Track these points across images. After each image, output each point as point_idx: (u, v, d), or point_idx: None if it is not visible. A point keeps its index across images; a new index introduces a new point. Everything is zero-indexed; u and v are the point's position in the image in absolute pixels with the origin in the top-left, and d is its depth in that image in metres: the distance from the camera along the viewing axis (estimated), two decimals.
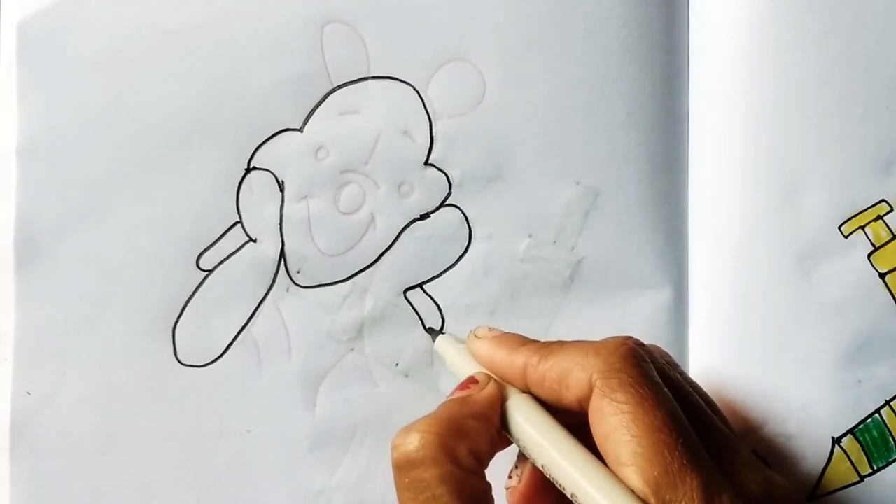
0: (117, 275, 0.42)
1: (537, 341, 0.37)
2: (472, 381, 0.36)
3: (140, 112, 0.42)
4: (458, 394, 0.36)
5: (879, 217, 0.43)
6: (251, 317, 0.42)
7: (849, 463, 0.42)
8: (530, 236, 0.43)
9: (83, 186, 0.42)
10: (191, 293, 0.42)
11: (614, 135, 0.43)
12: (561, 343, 0.36)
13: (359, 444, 0.42)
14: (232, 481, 0.42)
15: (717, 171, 0.43)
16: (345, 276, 0.43)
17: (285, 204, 0.43)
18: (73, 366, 0.41)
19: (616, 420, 0.32)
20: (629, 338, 0.35)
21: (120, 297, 0.42)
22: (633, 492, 0.31)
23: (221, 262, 0.42)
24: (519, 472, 0.37)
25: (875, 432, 0.42)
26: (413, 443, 0.33)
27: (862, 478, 0.43)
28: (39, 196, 0.42)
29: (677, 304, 0.43)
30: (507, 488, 0.37)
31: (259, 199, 0.42)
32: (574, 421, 0.34)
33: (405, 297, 0.43)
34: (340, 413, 0.42)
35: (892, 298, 0.43)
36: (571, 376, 0.33)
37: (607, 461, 0.32)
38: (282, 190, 0.42)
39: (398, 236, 0.43)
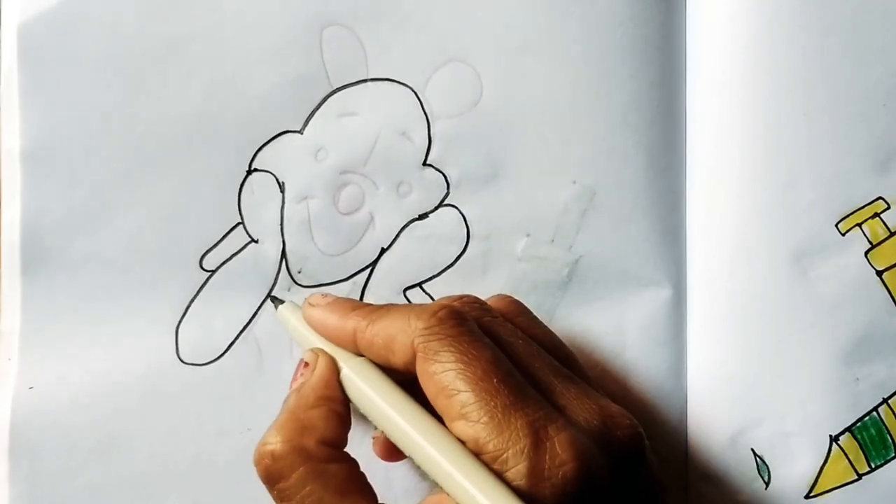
0: (121, 275, 0.42)
1: (368, 305, 0.37)
2: (304, 365, 0.37)
3: (142, 115, 0.42)
4: (295, 383, 0.37)
5: (876, 214, 0.43)
6: (253, 316, 0.43)
7: (846, 461, 0.42)
8: (528, 235, 0.43)
9: (87, 188, 0.42)
10: (194, 293, 0.43)
11: (611, 134, 0.43)
12: (388, 307, 0.36)
13: (358, 443, 0.42)
14: (233, 480, 0.42)
15: (714, 170, 0.43)
16: (345, 276, 0.43)
17: (286, 205, 0.43)
18: (75, 365, 0.42)
19: (441, 378, 0.33)
20: (456, 297, 0.36)
21: (124, 297, 0.42)
22: (463, 443, 0.32)
23: (224, 263, 0.43)
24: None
25: (873, 430, 0.42)
26: (267, 456, 0.34)
27: (860, 476, 0.42)
28: (44, 198, 0.42)
29: (675, 302, 0.43)
30: (373, 438, 0.38)
31: (260, 200, 0.43)
32: (411, 379, 0.35)
33: (405, 296, 0.43)
34: None
35: (889, 296, 0.42)
36: (396, 341, 0.34)
37: (442, 418, 0.33)
38: (282, 191, 0.43)
39: (397, 236, 0.43)
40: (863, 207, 0.43)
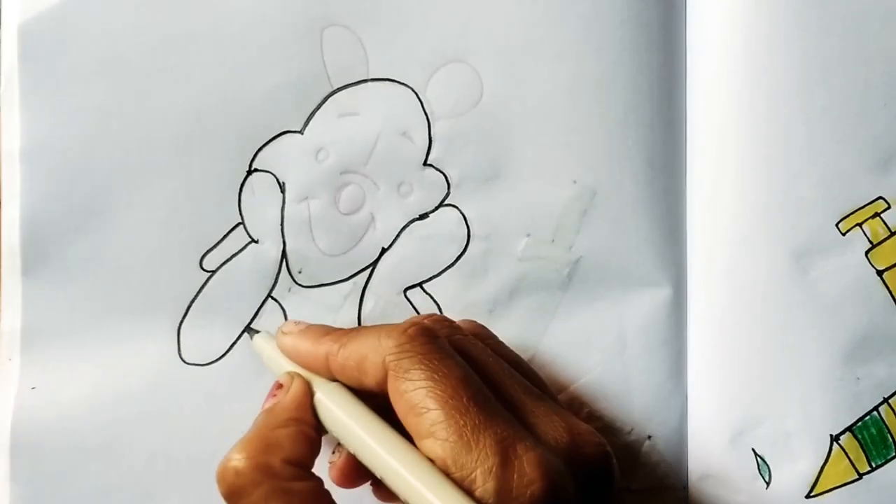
0: (122, 276, 0.42)
1: (340, 329, 0.38)
2: (277, 386, 0.38)
3: (142, 115, 0.42)
4: (267, 404, 0.37)
5: (877, 214, 0.43)
6: (254, 316, 0.43)
7: (847, 461, 0.42)
8: (528, 235, 0.43)
9: (87, 189, 0.42)
10: (195, 293, 0.43)
11: (612, 134, 0.43)
12: (358, 330, 0.37)
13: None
14: None
15: (714, 169, 0.43)
16: (346, 276, 0.43)
17: (286, 205, 0.43)
18: (77, 365, 0.42)
19: (411, 396, 0.33)
20: (426, 316, 0.37)
21: (125, 297, 0.42)
22: (432, 462, 0.32)
23: (224, 263, 0.43)
24: (341, 448, 0.38)
25: (873, 430, 0.42)
26: (230, 472, 0.34)
27: (860, 475, 0.42)
28: (44, 198, 0.42)
29: (676, 302, 0.43)
30: (329, 463, 0.38)
31: (261, 200, 0.43)
32: (384, 402, 0.35)
33: (405, 296, 0.43)
34: None
35: (889, 296, 0.42)
36: (367, 361, 0.35)
37: (412, 437, 0.33)
38: (283, 191, 0.43)
39: (398, 236, 0.43)
40: (863, 207, 0.43)
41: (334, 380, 0.37)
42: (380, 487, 0.38)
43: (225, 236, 0.43)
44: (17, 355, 0.42)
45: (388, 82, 0.43)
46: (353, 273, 0.43)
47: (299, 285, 0.43)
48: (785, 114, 0.42)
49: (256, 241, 0.43)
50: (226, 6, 0.42)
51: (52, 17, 0.42)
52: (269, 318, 0.43)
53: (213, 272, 0.43)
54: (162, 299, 0.42)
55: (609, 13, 0.43)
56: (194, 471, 0.42)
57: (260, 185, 0.43)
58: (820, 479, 0.42)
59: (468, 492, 0.31)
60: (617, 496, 0.35)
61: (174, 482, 0.42)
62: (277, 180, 0.43)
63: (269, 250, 0.43)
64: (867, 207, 0.43)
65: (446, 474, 0.32)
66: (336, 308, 0.43)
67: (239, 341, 0.43)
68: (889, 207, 0.43)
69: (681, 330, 0.43)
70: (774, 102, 0.43)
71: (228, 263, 0.43)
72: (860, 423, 0.42)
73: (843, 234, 0.43)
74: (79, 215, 0.42)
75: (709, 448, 0.43)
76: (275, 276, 0.43)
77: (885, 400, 0.42)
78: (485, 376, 0.34)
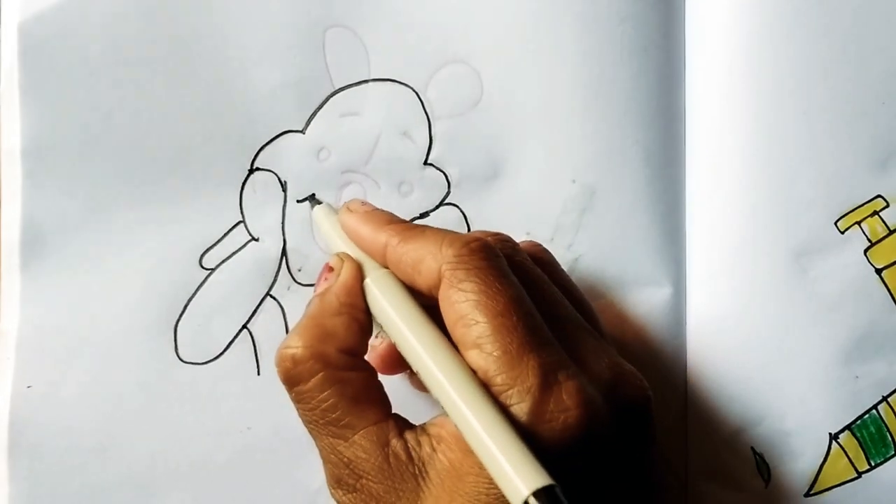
0: (120, 273, 0.42)
1: (403, 221, 0.37)
2: (329, 269, 0.37)
3: (143, 114, 0.42)
4: (319, 288, 0.37)
5: (876, 213, 0.43)
6: (252, 314, 0.43)
7: (846, 459, 0.42)
8: (528, 234, 0.43)
9: (87, 187, 0.42)
10: (193, 291, 0.43)
11: (611, 133, 0.43)
12: (422, 228, 0.36)
13: None
14: (232, 478, 0.42)
15: (713, 169, 0.43)
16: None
17: (287, 204, 0.43)
18: (74, 364, 0.42)
19: (462, 307, 0.33)
20: (490, 232, 0.36)
21: (123, 295, 0.42)
22: (473, 372, 0.32)
23: (224, 261, 0.43)
24: (384, 334, 0.38)
25: (872, 428, 0.42)
26: (288, 359, 0.35)
27: (859, 474, 0.42)
28: (44, 197, 0.42)
29: (675, 300, 0.43)
30: (370, 346, 0.38)
31: (261, 199, 0.43)
32: (433, 303, 0.35)
33: None
34: None
35: (888, 294, 0.43)
36: (424, 264, 0.34)
37: (457, 346, 0.33)
38: (284, 190, 0.43)
39: None
40: (862, 205, 0.43)
41: (386, 267, 0.37)
42: (416, 377, 0.37)
43: (225, 234, 0.43)
44: (14, 354, 0.42)
45: (389, 82, 0.43)
46: None
47: (299, 284, 0.43)
48: (784, 112, 0.43)
49: (257, 240, 0.43)
50: (227, 6, 0.43)
51: (52, 16, 0.42)
52: (268, 318, 0.43)
53: (213, 270, 0.43)
54: (160, 297, 0.42)
55: (608, 13, 0.43)
56: (192, 469, 0.42)
57: (261, 183, 0.43)
58: (819, 478, 0.42)
59: (503, 406, 0.31)
60: (652, 441, 0.35)
61: (172, 481, 0.42)
62: (279, 179, 0.43)
63: (269, 249, 0.43)
64: (866, 206, 0.43)
65: (485, 386, 0.32)
66: None
67: (236, 340, 0.43)
68: (888, 206, 0.43)
69: (680, 328, 0.43)
70: (773, 101, 0.43)
71: (228, 261, 0.43)
72: (859, 422, 0.42)
73: (842, 233, 0.43)
74: (78, 214, 0.42)
75: (708, 446, 0.43)
76: (274, 275, 0.43)
77: (885, 398, 0.42)
78: (538, 301, 0.34)
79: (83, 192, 0.42)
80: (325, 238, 0.40)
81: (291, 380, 0.35)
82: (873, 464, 0.42)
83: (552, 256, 0.40)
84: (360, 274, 0.36)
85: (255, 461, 0.42)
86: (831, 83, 0.43)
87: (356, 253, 0.37)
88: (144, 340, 0.42)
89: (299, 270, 0.43)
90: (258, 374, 0.43)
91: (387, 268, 0.36)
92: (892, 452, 0.42)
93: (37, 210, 0.42)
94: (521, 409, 0.31)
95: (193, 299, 0.42)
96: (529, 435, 0.31)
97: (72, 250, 0.42)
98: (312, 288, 0.43)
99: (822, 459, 0.42)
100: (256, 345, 0.43)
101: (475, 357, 0.32)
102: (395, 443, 0.34)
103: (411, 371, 0.36)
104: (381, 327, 0.36)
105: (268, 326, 0.43)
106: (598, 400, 0.32)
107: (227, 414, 0.42)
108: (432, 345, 0.33)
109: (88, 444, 0.42)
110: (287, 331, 0.43)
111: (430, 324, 0.34)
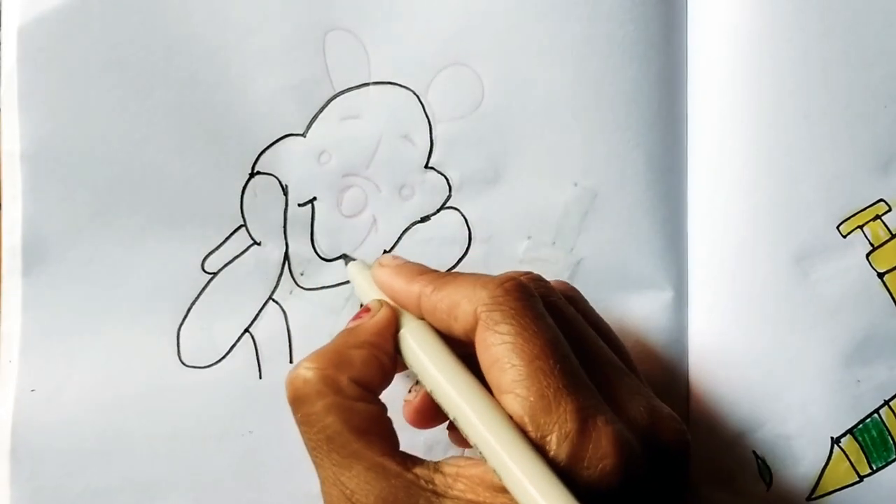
0: (123, 277, 0.42)
1: (435, 271, 0.38)
2: (365, 310, 0.37)
3: (143, 117, 0.42)
4: (350, 324, 0.37)
5: (878, 217, 0.43)
6: (254, 318, 0.43)
7: (848, 463, 0.42)
8: (529, 238, 0.43)
9: (88, 191, 0.42)
10: (195, 295, 0.43)
11: (612, 136, 0.43)
12: (455, 275, 0.36)
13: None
14: (234, 482, 0.42)
15: (715, 172, 0.43)
16: (347, 279, 0.43)
17: (289, 207, 0.43)
18: (77, 367, 0.42)
19: (498, 350, 0.32)
20: (522, 273, 0.36)
21: (125, 299, 0.42)
22: (510, 417, 0.32)
23: (226, 265, 0.43)
24: (418, 388, 0.38)
25: (874, 432, 0.42)
26: (299, 379, 0.35)
27: (861, 478, 0.42)
28: (45, 200, 0.42)
29: (677, 304, 0.43)
30: (405, 401, 0.38)
31: (263, 202, 0.43)
32: (470, 350, 0.34)
33: None
34: None
35: (890, 298, 0.43)
36: (459, 308, 0.34)
37: (492, 390, 0.33)
38: (285, 194, 0.43)
39: (399, 238, 0.43)
40: (864, 209, 0.43)
41: (422, 319, 0.37)
42: (454, 431, 0.38)
43: (227, 238, 0.43)
44: (17, 357, 0.42)
45: (389, 85, 0.43)
46: None
47: (301, 288, 0.43)
48: (786, 116, 0.43)
49: (259, 244, 0.43)
50: (227, 9, 0.43)
51: (52, 20, 0.42)
52: (270, 322, 0.43)
53: (215, 274, 0.43)
54: (162, 301, 0.42)
55: (610, 15, 0.43)
56: (193, 473, 0.42)
57: (262, 187, 0.43)
58: (821, 482, 0.42)
59: (542, 451, 0.31)
60: (686, 484, 0.35)
61: (173, 484, 0.42)
62: (280, 183, 0.43)
63: (271, 252, 0.43)
64: (868, 210, 0.43)
65: (522, 431, 0.32)
66: (338, 310, 0.43)
67: (239, 344, 0.43)
68: (890, 210, 0.43)
69: (682, 332, 0.43)
70: (775, 104, 0.43)
71: (230, 265, 0.43)
72: (861, 426, 0.42)
73: (844, 237, 0.43)
74: (80, 217, 0.42)
75: (710, 450, 0.42)
76: (276, 279, 0.43)
77: (886, 402, 0.42)
78: (573, 342, 0.34)
79: (84, 196, 0.42)
80: (359, 292, 0.40)
81: (298, 400, 0.35)
82: (875, 468, 0.42)
83: (580, 294, 0.40)
84: (395, 320, 0.37)
85: (257, 465, 0.42)
86: (833, 86, 0.43)
87: (393, 306, 0.38)
88: (147, 344, 0.42)
89: (301, 274, 0.43)
90: (260, 378, 0.43)
91: (422, 319, 0.37)
92: (894, 456, 0.42)
93: (38, 214, 0.42)
94: (559, 453, 0.31)
95: (196, 303, 0.43)
96: (568, 480, 0.30)
97: (73, 254, 0.42)
98: (315, 292, 0.43)
99: (823, 463, 0.42)
100: (258, 349, 0.43)
101: (510, 401, 0.32)
102: (404, 476, 0.33)
103: (451, 425, 0.36)
104: (417, 379, 0.36)
105: (270, 331, 0.43)
106: (635, 445, 0.32)
107: (229, 418, 0.42)
108: (468, 391, 0.33)
109: (91, 448, 0.42)
110: (289, 335, 0.43)
111: (465, 371, 0.34)
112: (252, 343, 0.43)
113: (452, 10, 0.43)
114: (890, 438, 0.42)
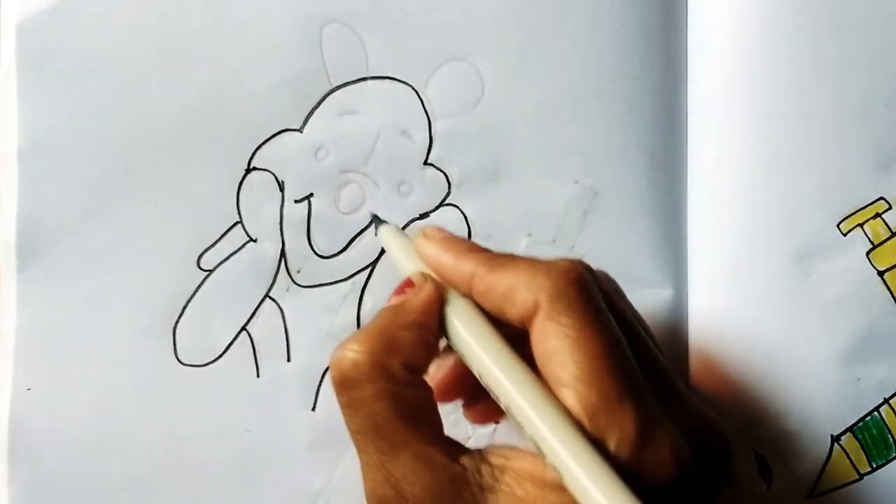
0: (118, 275, 0.42)
1: (487, 250, 0.36)
2: (408, 284, 0.36)
3: (140, 113, 0.42)
4: (394, 300, 0.35)
5: (878, 215, 0.43)
6: (251, 316, 0.43)
7: (848, 461, 0.42)
8: (529, 235, 0.43)
9: (84, 187, 0.42)
10: (191, 293, 0.42)
11: (613, 134, 0.43)
12: (511, 257, 0.35)
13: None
14: (232, 481, 0.42)
15: (715, 170, 0.43)
16: (345, 276, 0.43)
17: (285, 204, 0.43)
18: (73, 366, 0.42)
19: (559, 343, 0.31)
20: (579, 262, 0.34)
21: (121, 297, 0.42)
22: (568, 412, 0.31)
23: (222, 263, 0.43)
24: (441, 362, 0.36)
25: (874, 430, 0.43)
26: (347, 362, 0.33)
27: (861, 476, 0.43)
28: (41, 197, 0.42)
29: (677, 302, 0.43)
30: (463, 406, 0.37)
31: (259, 199, 0.43)
32: (513, 332, 0.33)
33: None
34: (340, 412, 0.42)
35: (890, 296, 0.43)
36: (518, 294, 0.33)
37: (549, 382, 0.32)
38: (282, 190, 0.43)
39: None
40: (864, 208, 0.43)
41: (468, 296, 0.35)
42: (471, 408, 0.37)
43: (223, 235, 0.43)
44: (12, 356, 0.42)
45: (388, 80, 0.43)
46: (352, 273, 0.43)
47: (298, 285, 0.43)
48: (786, 114, 0.43)
49: (255, 241, 0.43)
50: (224, 4, 0.42)
51: (50, 17, 0.42)
52: (267, 319, 0.42)
53: (211, 271, 0.42)
54: (158, 299, 0.42)
55: (610, 13, 0.43)
56: (191, 472, 0.42)
57: (259, 183, 0.43)
58: (821, 480, 0.42)
59: (604, 450, 0.30)
60: (728, 480, 0.34)
61: (171, 483, 0.42)
62: (276, 179, 0.43)
63: (267, 249, 0.43)
64: (868, 208, 0.43)
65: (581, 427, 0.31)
66: (335, 308, 0.43)
67: (236, 342, 0.42)
68: (890, 208, 0.43)
69: (682, 330, 0.43)
70: (776, 103, 0.43)
71: (226, 263, 0.43)
72: (861, 424, 0.42)
73: (845, 235, 0.43)
74: (75, 214, 0.42)
75: None
76: (273, 276, 0.43)
77: (886, 400, 0.43)
78: (630, 343, 0.33)
79: (80, 193, 0.42)
80: (394, 260, 0.38)
81: (346, 384, 0.33)
82: (875, 466, 0.43)
83: (619, 286, 0.38)
84: (441, 298, 0.35)
85: (255, 464, 0.42)
86: (833, 85, 0.43)
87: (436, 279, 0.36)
88: (143, 342, 0.42)
89: (298, 272, 0.43)
90: (257, 376, 0.42)
91: (468, 297, 0.35)
92: (894, 454, 0.43)
93: (34, 211, 0.42)
94: (619, 457, 0.30)
95: (192, 301, 0.42)
96: (629, 482, 0.30)
97: (69, 252, 0.42)
98: (312, 289, 0.43)
99: (823, 461, 0.42)
100: (255, 347, 0.42)
101: (570, 397, 0.31)
102: (451, 467, 0.32)
103: (466, 402, 0.35)
104: (462, 359, 0.34)
105: (267, 328, 0.42)
106: (688, 454, 0.31)
107: (227, 416, 0.42)
108: (525, 382, 0.32)
109: (88, 447, 0.42)
110: (286, 333, 0.42)
111: (519, 359, 0.33)
112: (249, 341, 0.43)
113: (452, 5, 0.43)
114: (890, 436, 0.43)
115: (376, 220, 0.40)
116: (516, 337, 0.33)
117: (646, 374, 0.32)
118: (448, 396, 0.37)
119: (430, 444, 0.33)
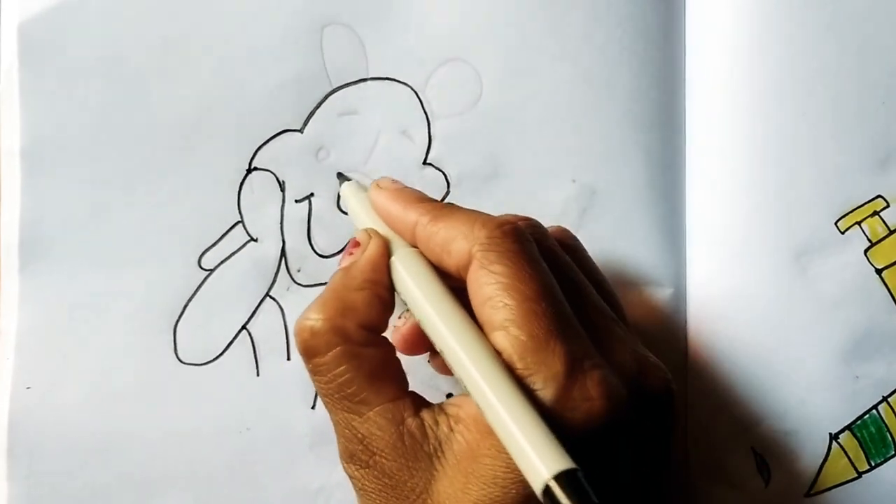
0: (120, 274, 0.42)
1: (434, 201, 0.37)
2: (354, 244, 0.37)
3: (142, 113, 0.42)
4: (344, 261, 0.37)
5: (876, 213, 0.43)
6: (252, 315, 0.43)
7: (846, 459, 0.42)
8: None
9: (86, 187, 0.42)
10: (192, 292, 0.42)
11: (611, 133, 0.43)
12: (453, 208, 0.36)
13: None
14: (232, 479, 0.42)
15: (713, 169, 0.43)
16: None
17: (286, 204, 0.43)
18: (73, 364, 0.42)
19: (491, 289, 0.32)
20: (520, 217, 0.36)
21: (122, 296, 0.42)
22: (498, 353, 0.32)
23: (223, 262, 0.43)
24: (408, 314, 0.37)
25: (872, 428, 0.42)
26: (307, 331, 0.35)
27: (860, 474, 0.43)
28: (43, 197, 0.42)
29: (675, 300, 0.43)
30: (394, 327, 0.38)
31: (260, 199, 0.43)
32: (460, 284, 0.34)
33: None
34: None
35: (889, 294, 0.43)
36: (454, 244, 0.34)
37: (483, 327, 0.33)
38: (282, 190, 0.43)
39: None
40: (862, 205, 0.43)
41: (413, 246, 0.36)
42: (438, 359, 0.38)
43: (224, 235, 0.43)
44: (13, 354, 0.42)
45: (387, 81, 0.43)
46: None
47: (298, 284, 0.43)
48: (784, 112, 0.43)
49: (255, 240, 0.43)
50: (225, 4, 0.43)
51: (52, 17, 0.42)
52: (267, 318, 0.43)
53: (212, 271, 0.43)
54: (159, 298, 0.42)
55: (608, 12, 0.43)
56: (191, 471, 0.42)
57: (259, 183, 0.43)
58: (819, 478, 0.42)
59: (527, 389, 0.31)
60: (671, 430, 0.35)
61: (171, 482, 0.42)
62: (277, 179, 0.43)
63: (268, 249, 0.43)
64: (866, 206, 0.43)
65: (509, 369, 0.32)
66: None
67: (236, 340, 0.43)
68: (888, 206, 0.43)
69: (680, 328, 0.43)
70: (773, 101, 0.43)
71: (227, 262, 0.43)
72: (859, 422, 0.42)
73: (843, 233, 0.43)
74: (77, 214, 0.42)
75: (708, 446, 0.43)
76: (273, 275, 0.43)
77: (885, 398, 0.42)
78: (565, 288, 0.34)
79: (82, 193, 0.42)
80: (352, 214, 0.40)
81: (309, 351, 0.35)
82: (873, 464, 0.43)
83: (580, 243, 0.40)
84: (386, 250, 0.36)
85: (255, 462, 0.42)
86: (831, 83, 0.43)
87: (384, 230, 0.37)
88: (144, 341, 0.42)
89: (298, 271, 0.43)
90: (257, 375, 0.42)
91: (415, 246, 0.36)
92: (893, 452, 0.43)
93: (36, 210, 0.42)
94: (545, 394, 0.31)
95: (192, 300, 0.42)
96: (552, 420, 0.30)
97: (71, 251, 0.42)
98: (312, 288, 0.43)
99: (822, 459, 0.42)
100: (256, 346, 0.43)
101: (501, 339, 0.32)
102: (411, 421, 0.34)
103: (433, 353, 0.36)
104: (406, 306, 0.36)
105: (267, 327, 0.43)
106: (621, 390, 0.32)
107: (227, 415, 0.42)
108: (458, 325, 0.33)
109: (88, 445, 0.42)
110: (287, 332, 0.43)
111: (456, 304, 0.34)
112: (249, 340, 0.43)
113: (451, 6, 0.43)
114: (888, 435, 0.42)
115: (340, 177, 0.41)
116: (461, 291, 0.34)
117: (583, 321, 0.33)
118: (415, 349, 0.38)
119: (391, 399, 0.34)
